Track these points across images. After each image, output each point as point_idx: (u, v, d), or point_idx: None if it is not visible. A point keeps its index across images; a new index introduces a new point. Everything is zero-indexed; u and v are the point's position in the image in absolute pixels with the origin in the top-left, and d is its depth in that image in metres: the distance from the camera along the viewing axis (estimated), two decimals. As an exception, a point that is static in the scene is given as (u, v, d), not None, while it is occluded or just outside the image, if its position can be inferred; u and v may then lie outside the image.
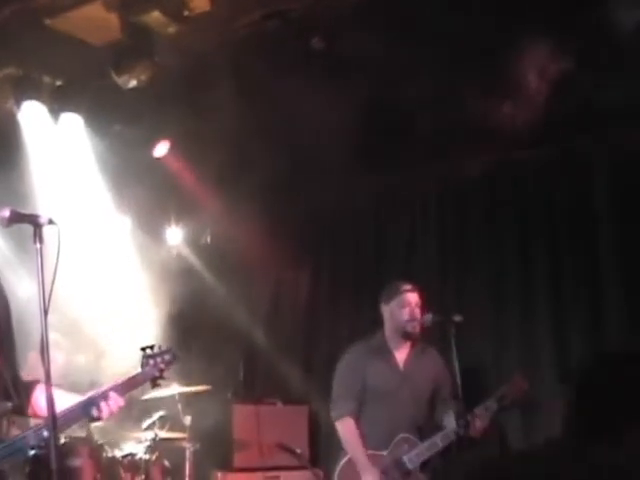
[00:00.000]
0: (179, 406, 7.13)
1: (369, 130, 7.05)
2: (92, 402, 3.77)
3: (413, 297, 6.00)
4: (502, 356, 7.30)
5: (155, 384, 4.17)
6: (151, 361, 4.08)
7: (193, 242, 9.11)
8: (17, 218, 3.43)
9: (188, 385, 7.12)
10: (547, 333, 7.12)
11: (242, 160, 7.76)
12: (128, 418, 6.99)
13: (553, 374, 7.03)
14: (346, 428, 5.97)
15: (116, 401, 3.83)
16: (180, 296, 8.61)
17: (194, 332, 8.23)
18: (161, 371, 4.10)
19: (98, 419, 3.89)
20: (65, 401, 3.74)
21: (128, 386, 3.97)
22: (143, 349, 4.11)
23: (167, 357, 4.13)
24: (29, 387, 3.84)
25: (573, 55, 6.02)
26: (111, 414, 3.85)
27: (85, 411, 3.77)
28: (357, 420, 5.97)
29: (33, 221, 3.42)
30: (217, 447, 7.96)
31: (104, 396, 3.80)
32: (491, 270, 7.49)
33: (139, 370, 4.07)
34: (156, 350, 4.13)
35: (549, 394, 6.96)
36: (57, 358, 6.27)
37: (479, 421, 5.75)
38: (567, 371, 6.99)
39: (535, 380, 6.60)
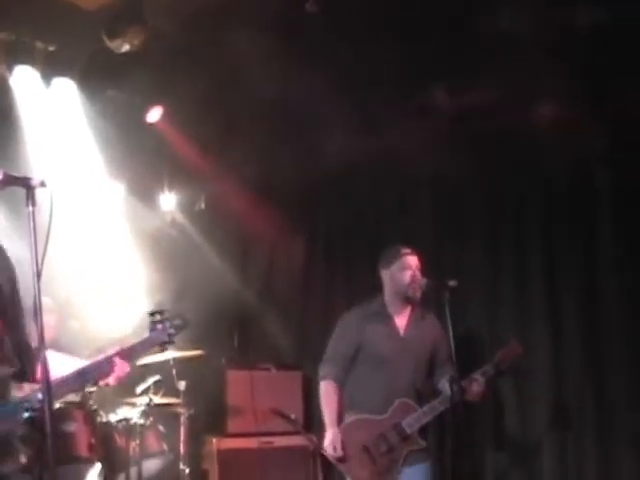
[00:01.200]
0: (173, 372, 7.14)
1: (362, 94, 7.02)
2: (97, 367, 3.76)
3: (413, 260, 6.00)
4: (496, 322, 7.34)
5: (163, 349, 4.14)
6: (159, 326, 4.03)
7: (187, 208, 9.08)
8: (9, 180, 3.41)
9: (182, 350, 7.12)
10: (541, 300, 7.16)
11: (237, 126, 7.73)
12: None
13: (546, 341, 7.08)
14: (326, 389, 6.05)
15: (122, 366, 3.80)
16: (174, 262, 8.62)
17: (189, 298, 8.23)
18: (170, 336, 4.06)
19: (104, 385, 3.86)
20: (69, 366, 3.72)
21: (135, 351, 3.92)
22: (152, 314, 4.08)
23: (176, 322, 4.08)
24: (37, 353, 3.79)
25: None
26: (117, 380, 3.82)
27: (90, 376, 3.75)
28: (338, 385, 6.02)
29: (25, 183, 3.39)
30: (211, 413, 8.00)
31: (109, 361, 3.78)
32: (486, 235, 7.52)
33: (147, 335, 4.05)
34: (165, 315, 4.09)
35: (542, 361, 7.02)
36: (49, 321, 6.26)
37: (476, 385, 5.80)
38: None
39: (528, 347, 6.64)
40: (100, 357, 3.77)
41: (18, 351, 3.65)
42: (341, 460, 5.88)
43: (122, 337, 6.72)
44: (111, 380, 3.78)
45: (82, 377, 3.71)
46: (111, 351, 3.81)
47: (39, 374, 3.77)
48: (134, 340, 3.96)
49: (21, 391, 3.60)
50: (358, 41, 6.44)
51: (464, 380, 5.69)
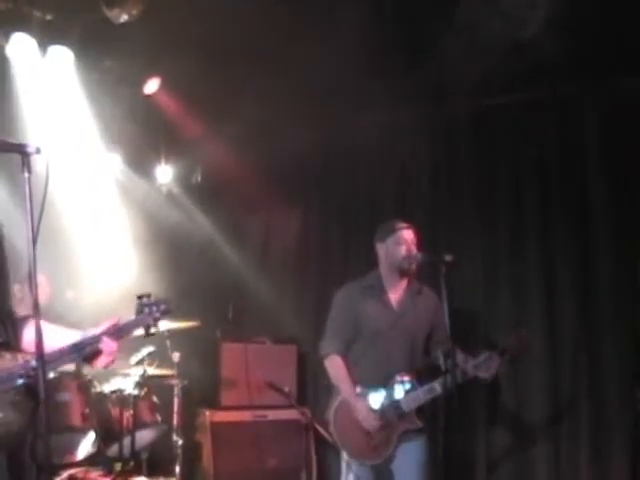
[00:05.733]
0: (168, 343, 7.13)
1: (359, 68, 6.99)
2: (87, 344, 3.75)
3: (409, 234, 5.96)
4: (493, 298, 7.33)
5: (148, 333, 4.16)
6: (146, 309, 4.04)
7: (183, 181, 9.07)
8: (5, 147, 3.40)
9: (177, 322, 7.13)
10: (537, 276, 7.16)
11: (234, 98, 7.70)
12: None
13: (543, 318, 7.08)
14: (334, 364, 5.98)
15: (109, 346, 3.81)
16: (170, 235, 8.62)
17: (185, 270, 8.24)
18: (155, 320, 4.08)
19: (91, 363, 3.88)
20: (60, 337, 3.71)
21: (121, 331, 3.94)
22: (139, 297, 4.09)
23: (163, 307, 4.11)
24: (22, 322, 3.81)
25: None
26: (108, 362, 3.85)
27: (79, 355, 3.75)
28: (344, 359, 5.98)
29: (21, 150, 3.39)
30: (205, 385, 8.02)
31: (97, 339, 3.78)
32: (483, 211, 7.49)
33: (133, 317, 4.05)
34: (153, 299, 4.10)
35: (538, 339, 7.00)
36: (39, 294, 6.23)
37: (495, 362, 5.81)
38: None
39: (523, 324, 6.66)
40: (88, 335, 3.76)
41: (2, 319, 3.65)
42: (344, 433, 5.88)
43: (113, 308, 6.75)
44: (99, 363, 3.80)
45: (71, 354, 3.71)
46: (99, 329, 3.80)
47: (24, 343, 3.79)
48: (122, 316, 3.98)
49: (15, 361, 3.59)
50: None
51: (481, 357, 5.75)
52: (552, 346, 7.04)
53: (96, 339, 3.76)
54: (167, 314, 4.15)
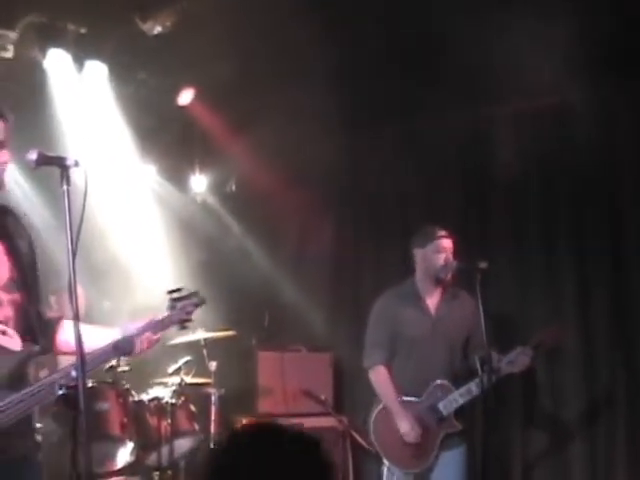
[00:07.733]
0: (204, 352, 7.19)
1: (391, 74, 7.00)
2: (125, 343, 3.76)
3: (448, 243, 5.95)
4: (527, 302, 7.29)
5: (183, 327, 4.16)
6: (178, 304, 4.04)
7: (218, 190, 9.12)
8: (44, 160, 3.44)
9: (213, 331, 7.18)
10: (571, 279, 7.12)
11: (268, 109, 7.73)
12: (154, 363, 7.08)
13: (577, 320, 7.04)
14: (379, 376, 5.99)
15: (151, 340, 3.84)
16: (205, 244, 8.67)
17: (220, 279, 8.27)
18: (188, 314, 4.08)
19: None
20: (98, 337, 3.73)
21: (153, 328, 3.93)
22: (170, 292, 4.09)
23: (194, 300, 4.10)
24: (54, 323, 3.84)
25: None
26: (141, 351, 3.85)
27: (119, 353, 3.79)
28: (389, 368, 5.99)
29: (60, 163, 3.43)
30: (242, 393, 8.03)
31: (129, 340, 3.79)
32: (514, 215, 7.46)
33: (165, 313, 4.05)
34: (183, 293, 4.11)
35: (572, 340, 6.97)
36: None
37: (525, 357, 5.82)
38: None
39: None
40: (120, 336, 3.77)
41: (38, 323, 3.68)
42: (383, 442, 5.88)
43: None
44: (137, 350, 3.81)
45: (107, 353, 3.73)
46: (131, 329, 3.81)
47: (58, 343, 3.82)
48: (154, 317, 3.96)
49: (54, 370, 3.62)
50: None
51: (512, 353, 5.78)
52: (588, 346, 7.00)
53: (127, 340, 3.77)
54: (199, 306, 4.13)
